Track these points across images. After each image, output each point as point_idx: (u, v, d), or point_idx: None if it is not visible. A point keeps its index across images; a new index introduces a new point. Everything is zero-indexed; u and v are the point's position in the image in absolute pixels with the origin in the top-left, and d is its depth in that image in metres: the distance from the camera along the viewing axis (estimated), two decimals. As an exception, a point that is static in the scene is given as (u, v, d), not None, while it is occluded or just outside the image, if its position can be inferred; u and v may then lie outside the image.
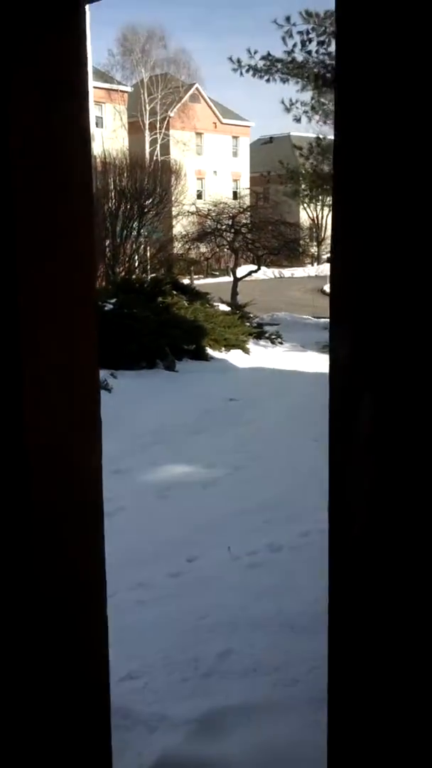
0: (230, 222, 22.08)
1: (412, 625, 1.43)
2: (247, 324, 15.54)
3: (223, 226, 22.17)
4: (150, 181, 23.53)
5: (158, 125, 46.68)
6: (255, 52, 18.66)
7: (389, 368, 1.40)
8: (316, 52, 17.55)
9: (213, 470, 7.01)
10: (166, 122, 47.27)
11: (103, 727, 2.40)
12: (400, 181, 1.34)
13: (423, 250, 1.32)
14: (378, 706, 1.52)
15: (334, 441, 1.51)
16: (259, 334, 15.51)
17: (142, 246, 22.88)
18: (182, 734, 3.01)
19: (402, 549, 1.42)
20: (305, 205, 43.57)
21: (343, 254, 1.46)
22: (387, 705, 1.51)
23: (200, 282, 25.88)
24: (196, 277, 29.61)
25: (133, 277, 19.04)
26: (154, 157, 38.92)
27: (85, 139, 2.02)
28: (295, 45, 17.72)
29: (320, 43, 17.37)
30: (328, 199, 31.82)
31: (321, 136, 21.43)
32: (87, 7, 2.02)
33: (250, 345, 14.28)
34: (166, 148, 45.73)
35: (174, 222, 28.89)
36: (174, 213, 29.32)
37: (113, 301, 12.71)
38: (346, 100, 1.41)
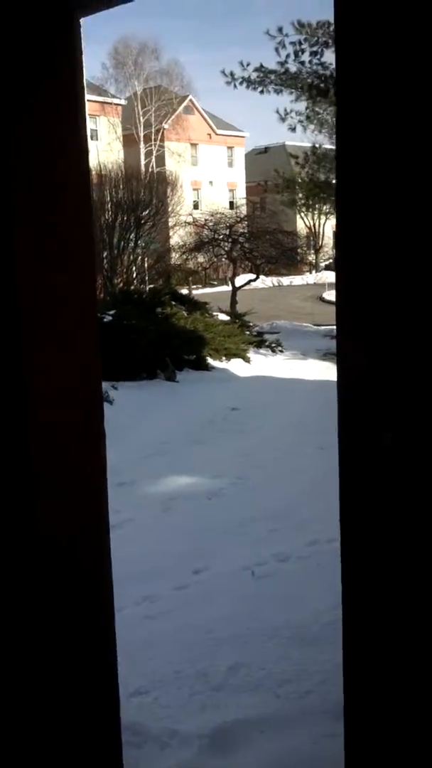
0: (228, 231, 22.09)
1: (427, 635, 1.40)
2: (247, 333, 15.52)
3: (221, 236, 22.18)
4: (146, 192, 23.55)
5: (153, 137, 46.75)
6: (248, 64, 18.68)
7: (404, 374, 1.37)
8: (309, 62, 17.53)
9: (217, 480, 6.97)
10: (160, 134, 47.33)
11: (114, 745, 2.37)
12: (403, 185, 1.32)
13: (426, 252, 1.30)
14: (399, 713, 1.49)
15: (346, 453, 1.48)
16: (259, 342, 15.49)
17: (140, 257, 22.87)
18: (194, 749, 2.96)
19: (419, 571, 1.39)
20: (303, 213, 43.64)
21: (348, 259, 1.44)
22: (409, 712, 1.48)
23: (199, 292, 25.89)
24: (195, 287, 29.62)
25: (132, 288, 19.04)
26: (150, 169, 39.00)
27: (83, 148, 2.01)
28: (288, 56, 17.74)
29: (313, 54, 17.35)
30: (325, 207, 31.88)
31: (316, 145, 21.43)
32: (81, 20, 2.03)
33: (251, 354, 14.26)
34: (161, 160, 45.82)
35: (171, 233, 28.91)
36: (171, 224, 29.32)
37: (112, 312, 12.70)
38: (346, 109, 1.39)
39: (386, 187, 1.34)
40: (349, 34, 1.37)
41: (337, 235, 1.45)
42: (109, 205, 21.91)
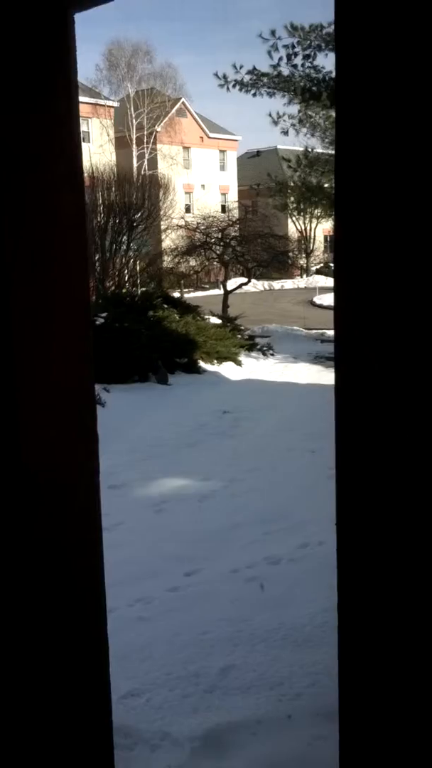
0: (219, 235, 22.07)
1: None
2: (239, 336, 15.53)
3: (213, 240, 22.16)
4: (138, 195, 23.57)
5: (145, 140, 46.66)
6: (241, 67, 18.66)
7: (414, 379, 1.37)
8: (302, 65, 17.56)
9: (208, 483, 6.97)
10: (153, 137, 47.23)
11: (106, 747, 2.36)
12: (405, 190, 1.32)
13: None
14: (396, 715, 1.49)
15: (343, 456, 1.47)
16: (250, 346, 15.49)
17: (132, 260, 22.86)
18: (186, 752, 2.96)
19: (417, 572, 1.40)
20: (294, 217, 43.68)
21: (349, 257, 1.44)
22: (406, 714, 1.48)
23: (190, 295, 25.90)
24: (186, 290, 29.61)
25: (123, 291, 19.03)
26: (142, 172, 38.95)
27: (76, 149, 2.01)
28: (281, 59, 17.74)
29: (306, 57, 17.36)
30: (317, 212, 31.87)
31: (309, 149, 21.43)
32: (75, 16, 2.01)
33: (242, 357, 14.27)
34: (153, 163, 45.76)
35: (163, 236, 28.92)
36: (163, 227, 29.33)
37: (104, 315, 12.69)
38: (346, 114, 1.39)
39: (389, 185, 1.35)
40: (350, 34, 1.36)
41: (337, 233, 1.45)
42: (101, 208, 21.92)
